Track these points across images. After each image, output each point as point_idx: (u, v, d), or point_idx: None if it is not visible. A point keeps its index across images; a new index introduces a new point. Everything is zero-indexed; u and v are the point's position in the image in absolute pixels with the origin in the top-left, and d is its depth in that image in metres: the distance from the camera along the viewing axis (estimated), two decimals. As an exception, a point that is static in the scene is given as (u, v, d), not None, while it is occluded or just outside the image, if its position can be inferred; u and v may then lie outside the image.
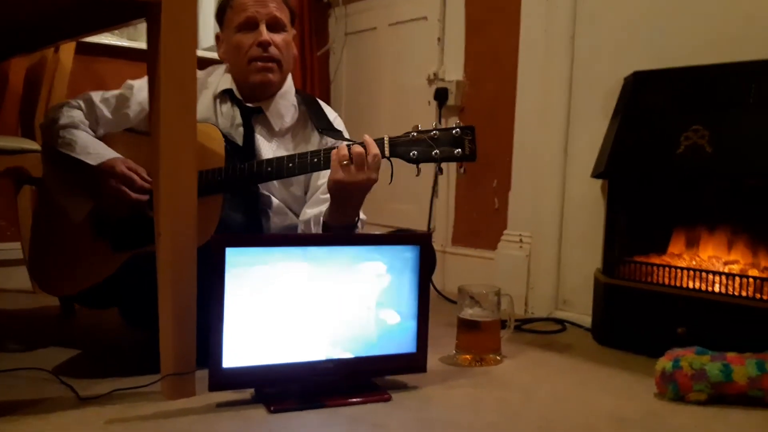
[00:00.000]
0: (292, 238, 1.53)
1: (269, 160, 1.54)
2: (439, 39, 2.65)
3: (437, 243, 2.61)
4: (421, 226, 2.62)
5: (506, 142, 2.33)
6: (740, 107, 1.62)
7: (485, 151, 2.38)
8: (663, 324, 1.69)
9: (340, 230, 1.53)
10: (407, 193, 2.70)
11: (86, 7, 1.34)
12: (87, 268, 1.56)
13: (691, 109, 1.71)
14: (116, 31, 2.62)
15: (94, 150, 1.53)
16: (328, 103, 3.10)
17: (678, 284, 1.70)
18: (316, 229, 1.63)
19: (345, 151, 1.42)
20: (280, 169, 1.52)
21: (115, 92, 1.68)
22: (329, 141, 1.70)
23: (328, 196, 1.54)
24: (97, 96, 1.66)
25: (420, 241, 1.40)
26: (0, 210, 2.33)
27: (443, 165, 1.51)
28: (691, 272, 1.69)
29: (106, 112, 1.65)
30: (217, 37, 1.77)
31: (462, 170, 2.51)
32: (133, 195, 1.49)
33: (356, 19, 3.11)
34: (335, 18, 3.21)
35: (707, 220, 1.80)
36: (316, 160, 1.49)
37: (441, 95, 2.57)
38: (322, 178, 1.67)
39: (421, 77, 2.70)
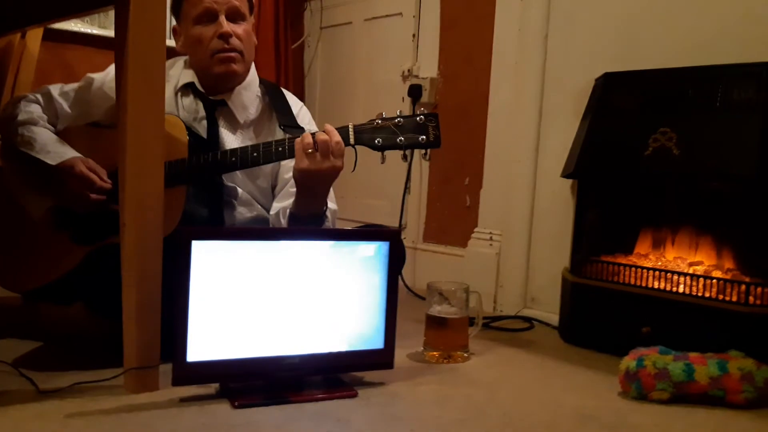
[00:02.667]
0: (260, 231, 1.51)
1: (233, 150, 1.52)
2: (414, 35, 2.66)
3: (408, 239, 2.62)
4: (392, 222, 2.62)
5: (479, 139, 2.34)
6: (707, 110, 1.65)
7: (458, 149, 2.40)
8: (628, 323, 1.71)
9: (309, 221, 1.53)
10: (379, 188, 2.69)
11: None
12: (48, 262, 1.53)
13: (660, 111, 1.73)
14: (86, 19, 2.57)
15: (53, 149, 1.50)
16: (301, 96, 3.10)
17: (643, 284, 1.72)
18: (285, 221, 1.61)
19: (309, 140, 1.42)
20: (245, 158, 1.50)
21: (74, 85, 1.65)
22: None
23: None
24: (55, 90, 1.63)
25: (389, 237, 1.39)
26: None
27: (413, 159, 1.51)
28: (657, 273, 1.71)
29: (65, 106, 1.62)
30: (174, 30, 1.72)
31: (427, 157, 2.52)
32: (93, 195, 1.47)
33: (332, 13, 3.10)
34: (311, 11, 3.19)
35: (673, 221, 1.82)
36: (280, 149, 1.48)
37: (415, 92, 2.56)
38: (290, 171, 1.66)
39: (395, 73, 2.70)
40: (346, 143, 1.45)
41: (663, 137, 1.68)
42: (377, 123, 1.47)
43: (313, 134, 1.43)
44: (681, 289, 1.66)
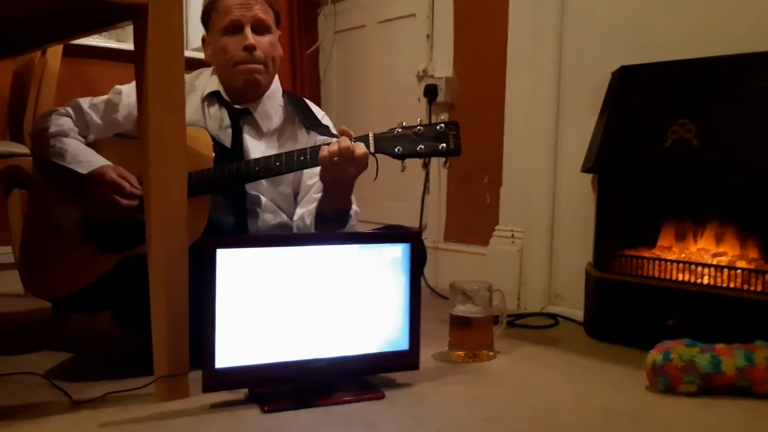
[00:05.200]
0: (283, 237, 1.53)
1: (257, 160, 1.55)
2: (428, 36, 2.66)
3: (429, 239, 2.62)
4: (413, 223, 2.63)
5: (497, 137, 2.34)
6: (726, 101, 1.63)
7: (476, 148, 2.40)
8: (653, 317, 1.70)
9: (335, 218, 1.56)
10: (398, 190, 2.70)
11: (73, 10, 1.34)
12: (77, 270, 1.55)
13: (678, 103, 1.72)
14: (104, 33, 2.61)
15: (84, 158, 1.53)
16: (318, 102, 3.12)
17: (668, 277, 1.71)
18: (309, 222, 1.64)
19: (334, 148, 1.43)
20: (268, 168, 1.52)
21: (104, 97, 1.68)
22: (318, 138, 1.70)
23: (319, 195, 1.56)
24: (85, 102, 1.66)
25: (410, 238, 1.40)
26: (-10, 214, 2.33)
27: (432, 160, 1.52)
28: (681, 265, 1.70)
29: (95, 118, 1.65)
30: (204, 40, 1.77)
31: (446, 165, 2.53)
32: (123, 202, 1.49)
33: (345, 17, 3.11)
34: (324, 16, 3.21)
35: (696, 213, 1.81)
36: (303, 158, 1.50)
37: (430, 92, 2.57)
38: (313, 178, 1.68)
39: (410, 74, 2.70)
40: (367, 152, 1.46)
41: (682, 129, 1.67)
42: (397, 131, 1.48)
43: (336, 143, 1.45)
44: (705, 281, 1.65)
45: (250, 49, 1.65)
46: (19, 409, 1.24)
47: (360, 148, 1.44)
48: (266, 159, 1.53)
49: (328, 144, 1.47)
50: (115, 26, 1.47)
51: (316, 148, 1.48)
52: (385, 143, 1.47)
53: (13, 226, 2.19)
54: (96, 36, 2.56)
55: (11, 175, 1.95)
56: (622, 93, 1.83)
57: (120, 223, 1.52)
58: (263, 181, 1.67)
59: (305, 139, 1.74)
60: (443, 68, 2.59)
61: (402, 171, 1.48)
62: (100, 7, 1.27)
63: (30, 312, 2.07)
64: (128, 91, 1.66)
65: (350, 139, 1.45)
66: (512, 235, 2.30)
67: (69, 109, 1.64)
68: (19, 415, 1.21)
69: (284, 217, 1.73)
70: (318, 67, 3.25)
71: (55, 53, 2.13)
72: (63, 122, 1.60)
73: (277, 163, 1.52)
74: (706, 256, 1.72)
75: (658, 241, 1.85)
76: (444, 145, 1.46)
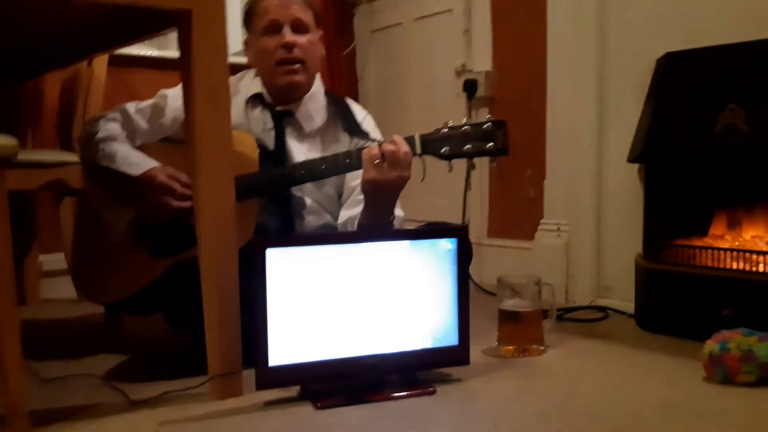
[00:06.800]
0: (331, 236, 1.54)
1: (302, 163, 1.56)
2: (465, 30, 2.65)
3: (472, 235, 2.59)
4: (455, 220, 2.61)
5: (538, 130, 2.32)
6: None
7: (517, 141, 2.36)
8: (707, 307, 1.66)
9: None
10: (440, 187, 2.68)
11: (118, 19, 1.37)
12: (129, 274, 1.58)
13: (726, 88, 1.68)
14: (146, 42, 2.66)
15: (134, 161, 1.56)
16: (356, 101, 3.12)
17: (721, 266, 1.67)
18: (352, 229, 1.64)
19: (376, 150, 1.43)
20: (313, 171, 1.53)
21: (150, 102, 1.70)
22: (359, 142, 1.71)
23: (363, 197, 1.55)
24: (132, 107, 1.69)
25: (457, 233, 1.40)
26: (42, 222, 2.38)
27: (475, 159, 1.51)
28: (734, 253, 1.66)
29: (142, 123, 1.68)
30: (245, 43, 1.79)
31: (494, 165, 2.48)
32: (174, 203, 1.51)
33: (381, 16, 3.12)
34: (360, 16, 3.21)
35: (748, 199, 1.77)
36: (348, 160, 1.50)
37: (470, 87, 2.56)
38: (356, 179, 1.68)
39: (449, 70, 2.69)
40: (413, 153, 1.45)
41: (731, 114, 1.63)
42: (443, 132, 1.46)
43: (380, 144, 1.44)
44: (761, 268, 1.61)
45: (288, 47, 1.66)
46: (79, 410, 1.27)
47: (403, 145, 1.44)
48: (311, 162, 1.54)
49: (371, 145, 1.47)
50: (159, 33, 1.49)
51: (360, 150, 1.49)
52: (431, 144, 1.46)
53: (65, 233, 2.24)
54: (138, 45, 2.61)
55: (60, 185, 1.99)
56: (668, 80, 1.80)
57: (171, 225, 1.54)
58: (308, 183, 1.68)
59: (347, 141, 1.74)
60: (482, 62, 2.58)
61: (449, 171, 1.47)
62: (145, 14, 1.29)
63: (84, 316, 2.12)
64: (174, 95, 1.68)
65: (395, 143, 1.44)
66: (558, 228, 2.27)
67: (117, 114, 1.67)
68: (80, 415, 1.24)
69: (328, 218, 1.73)
70: (355, 67, 3.25)
71: (101, 63, 2.18)
72: (111, 127, 1.63)
73: (323, 166, 1.52)
74: (760, 244, 1.68)
75: (709, 230, 1.81)
76: (492, 144, 1.45)
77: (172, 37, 1.33)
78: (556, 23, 2.24)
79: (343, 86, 3.12)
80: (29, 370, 1.45)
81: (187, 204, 1.50)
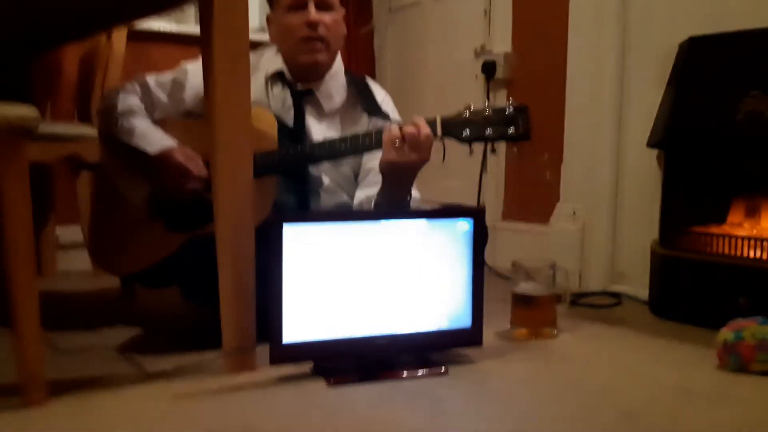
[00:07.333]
0: (348, 213, 1.54)
1: (321, 143, 1.55)
2: (485, 11, 2.62)
3: (487, 218, 2.59)
4: (470, 202, 2.60)
5: (557, 114, 2.30)
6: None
7: (536, 124, 2.34)
8: (723, 295, 1.65)
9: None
10: (456, 168, 2.67)
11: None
12: (145, 248, 1.60)
13: (750, 74, 1.66)
14: (165, 16, 2.66)
15: (152, 137, 1.56)
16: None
17: (738, 254, 1.66)
18: (368, 209, 1.64)
19: (397, 132, 1.43)
20: (333, 150, 1.53)
21: (170, 76, 1.70)
22: (378, 122, 1.70)
23: (380, 178, 1.55)
24: (152, 80, 1.69)
25: (472, 214, 1.39)
26: (60, 195, 2.40)
27: (495, 144, 1.50)
28: (752, 241, 1.64)
29: (162, 97, 1.68)
30: (268, 19, 1.77)
31: (515, 150, 2.45)
32: (189, 184, 1.52)
33: (400, -5, 3.09)
34: (379, -5, 3.19)
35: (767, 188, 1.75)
36: (368, 141, 1.50)
37: (488, 68, 2.54)
38: (373, 160, 1.67)
39: (467, 51, 2.67)
40: (434, 135, 1.45)
41: (754, 101, 1.61)
42: (465, 115, 1.46)
43: (400, 126, 1.44)
44: (779, 258, 1.59)
45: (313, 24, 1.65)
46: (96, 381, 1.29)
47: (425, 128, 1.43)
48: (331, 142, 1.54)
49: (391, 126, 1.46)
50: (179, 7, 1.49)
51: (380, 131, 1.48)
52: (452, 127, 1.46)
53: (82, 206, 2.25)
54: (157, 20, 2.61)
55: (77, 159, 2.00)
56: (691, 64, 1.77)
57: (188, 202, 1.55)
58: (326, 163, 1.68)
59: (366, 121, 1.74)
60: (501, 44, 2.55)
61: (470, 154, 1.47)
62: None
63: (99, 289, 2.14)
64: (194, 70, 1.67)
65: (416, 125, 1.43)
66: (574, 212, 2.26)
67: (136, 86, 1.67)
68: (97, 386, 1.26)
69: (345, 198, 1.73)
70: (373, 47, 3.23)
71: (120, 37, 2.18)
72: (131, 100, 1.64)
73: (343, 146, 1.52)
74: (779, 233, 1.67)
75: (727, 218, 1.80)
76: (513, 129, 1.44)
77: (190, 11, 1.32)
78: (578, 5, 2.22)
79: (361, 65, 3.11)
80: (46, 341, 1.47)
81: (201, 185, 1.51)
